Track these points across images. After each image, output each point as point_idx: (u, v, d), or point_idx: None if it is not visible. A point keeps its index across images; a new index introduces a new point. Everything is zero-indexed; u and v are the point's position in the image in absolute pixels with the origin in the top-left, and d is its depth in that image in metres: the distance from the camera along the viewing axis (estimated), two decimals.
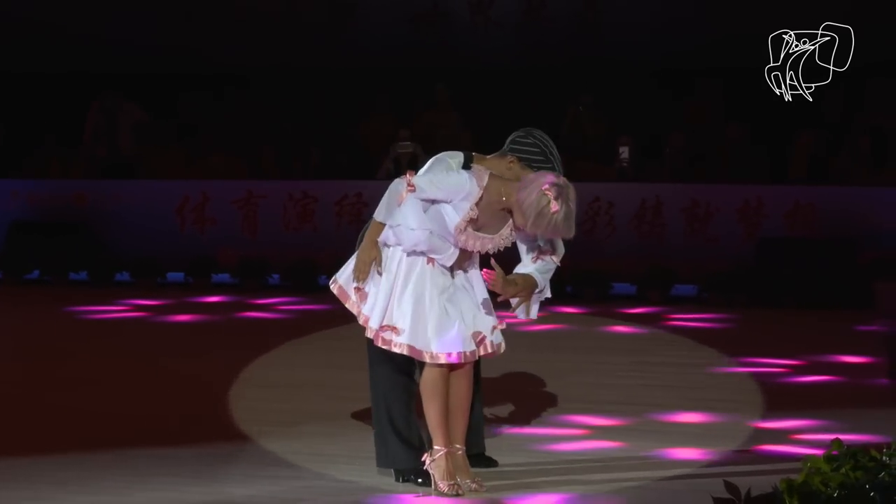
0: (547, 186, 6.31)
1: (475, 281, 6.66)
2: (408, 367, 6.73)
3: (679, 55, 17.14)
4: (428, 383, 6.53)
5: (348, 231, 16.14)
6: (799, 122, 15.95)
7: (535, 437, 7.77)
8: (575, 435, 7.90)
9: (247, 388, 9.51)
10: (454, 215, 6.44)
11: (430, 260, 6.53)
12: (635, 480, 6.81)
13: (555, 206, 6.29)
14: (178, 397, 9.21)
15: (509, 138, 6.95)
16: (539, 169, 6.68)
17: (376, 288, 6.59)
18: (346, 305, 6.71)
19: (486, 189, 6.44)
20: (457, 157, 6.75)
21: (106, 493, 6.55)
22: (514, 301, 6.64)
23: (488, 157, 6.88)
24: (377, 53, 18.05)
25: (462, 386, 6.58)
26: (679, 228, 15.54)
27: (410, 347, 6.49)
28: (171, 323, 13.10)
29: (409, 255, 6.53)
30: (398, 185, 6.67)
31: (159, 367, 10.38)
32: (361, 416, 8.08)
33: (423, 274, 6.52)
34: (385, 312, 6.54)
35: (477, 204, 6.43)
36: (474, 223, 6.47)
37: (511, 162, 6.81)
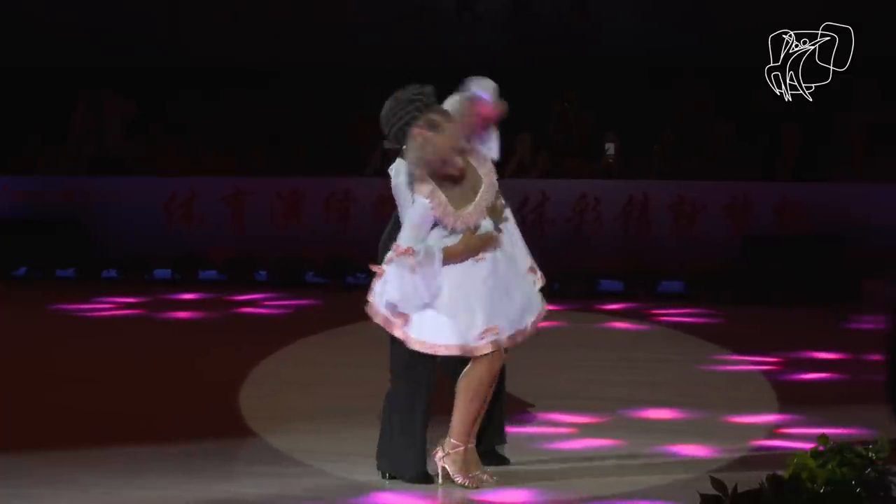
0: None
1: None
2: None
3: (667, 52, 17.15)
4: (475, 381, 6.47)
5: (336, 228, 16.16)
6: (785, 119, 15.96)
7: (522, 435, 7.76)
8: (562, 433, 7.91)
9: (235, 385, 9.49)
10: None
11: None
12: (622, 477, 6.81)
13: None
14: (167, 394, 9.19)
15: (389, 128, 6.79)
16: (416, 118, 6.58)
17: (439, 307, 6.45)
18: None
19: (431, 192, 6.42)
20: (400, 175, 6.64)
21: (98, 491, 6.54)
22: None
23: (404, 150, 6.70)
24: (366, 51, 18.06)
25: (493, 385, 6.60)
26: (666, 225, 15.56)
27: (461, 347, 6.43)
28: (158, 320, 13.08)
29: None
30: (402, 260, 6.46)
31: (147, 365, 10.36)
32: (351, 413, 8.09)
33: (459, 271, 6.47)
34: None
35: (435, 208, 6.40)
36: (446, 211, 6.42)
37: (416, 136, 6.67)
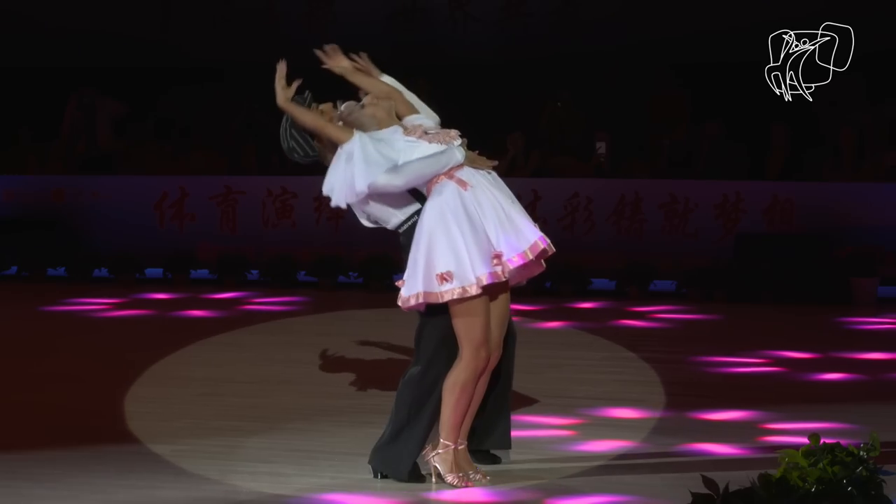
0: None
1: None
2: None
3: (659, 51, 17.15)
4: (460, 382, 6.47)
5: (327, 227, 16.14)
6: (774, 118, 15.94)
7: (513, 433, 7.75)
8: (554, 431, 7.91)
9: (224, 384, 9.50)
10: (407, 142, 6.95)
11: (462, 183, 6.64)
12: (613, 475, 6.81)
13: None
14: (158, 394, 9.18)
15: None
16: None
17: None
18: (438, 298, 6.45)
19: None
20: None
21: (85, 491, 6.53)
22: None
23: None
24: (357, 49, 18.02)
25: (482, 386, 6.59)
26: (657, 224, 15.56)
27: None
28: (148, 319, 13.07)
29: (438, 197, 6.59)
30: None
31: (138, 364, 10.35)
32: (338, 412, 8.09)
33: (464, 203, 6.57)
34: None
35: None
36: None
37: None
